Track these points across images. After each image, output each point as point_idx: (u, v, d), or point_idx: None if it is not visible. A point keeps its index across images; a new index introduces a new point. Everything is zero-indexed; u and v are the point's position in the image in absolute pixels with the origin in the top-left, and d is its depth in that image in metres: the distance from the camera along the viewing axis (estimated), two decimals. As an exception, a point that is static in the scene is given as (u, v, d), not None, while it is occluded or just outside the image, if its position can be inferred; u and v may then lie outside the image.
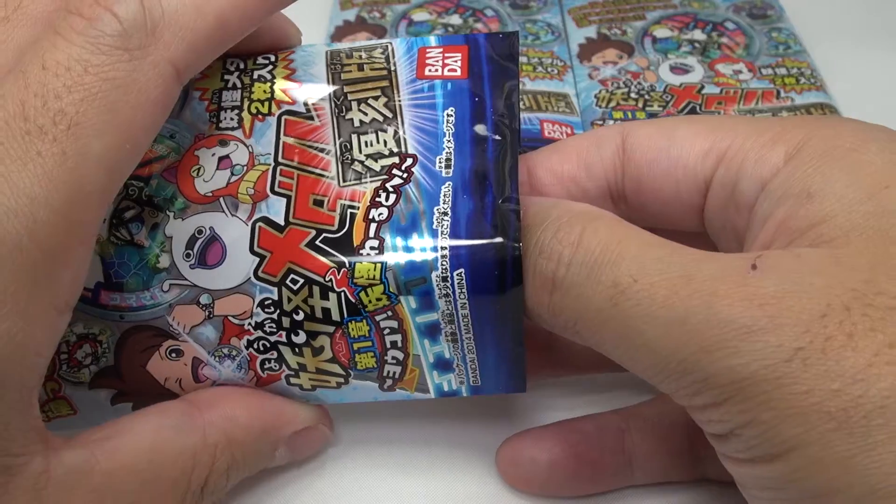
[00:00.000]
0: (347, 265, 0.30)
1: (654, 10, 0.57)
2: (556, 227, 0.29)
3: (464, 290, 0.30)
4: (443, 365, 0.32)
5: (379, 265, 0.30)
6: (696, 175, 0.31)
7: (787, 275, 0.25)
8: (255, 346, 0.31)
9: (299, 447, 0.34)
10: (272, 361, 0.32)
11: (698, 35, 0.54)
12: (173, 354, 0.32)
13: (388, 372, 0.32)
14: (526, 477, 0.35)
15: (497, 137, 0.32)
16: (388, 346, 0.31)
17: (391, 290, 0.30)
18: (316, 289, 0.30)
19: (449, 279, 0.30)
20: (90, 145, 0.26)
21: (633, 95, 0.50)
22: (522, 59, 0.52)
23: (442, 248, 0.30)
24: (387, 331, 0.31)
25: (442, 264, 0.30)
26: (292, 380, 0.32)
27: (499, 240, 0.29)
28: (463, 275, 0.30)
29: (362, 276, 0.30)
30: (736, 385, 0.25)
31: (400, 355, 0.32)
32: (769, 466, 0.25)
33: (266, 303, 0.31)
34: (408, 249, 0.30)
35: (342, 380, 0.32)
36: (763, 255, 0.26)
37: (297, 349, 0.31)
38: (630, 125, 0.34)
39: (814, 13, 0.58)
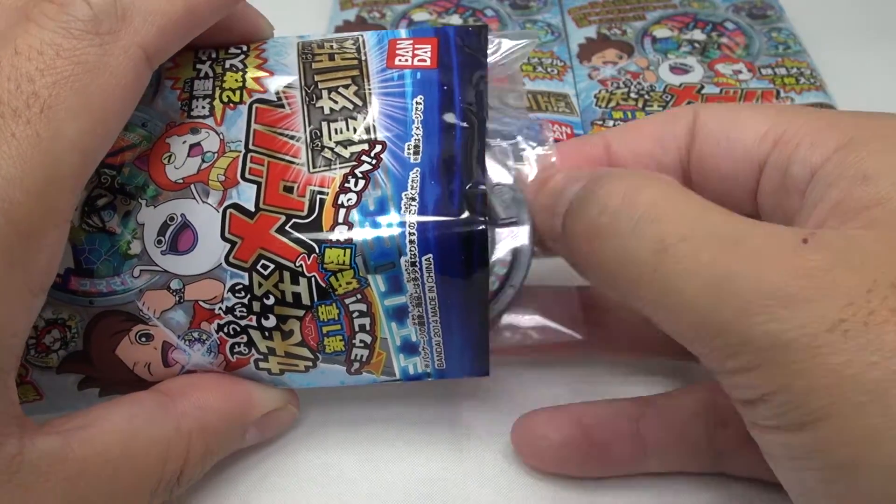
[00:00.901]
0: (317, 250, 0.30)
1: (654, 10, 0.57)
2: (608, 180, 0.29)
3: (432, 274, 0.30)
4: (409, 348, 0.32)
5: (348, 250, 0.30)
6: (751, 157, 0.31)
7: (837, 251, 0.25)
8: (226, 330, 0.32)
9: (268, 428, 0.35)
10: (242, 345, 0.32)
11: (698, 35, 0.55)
12: (143, 339, 0.32)
13: (356, 355, 0.32)
14: (537, 454, 0.35)
15: (465, 125, 0.32)
16: (357, 329, 0.32)
17: (361, 274, 0.30)
18: (286, 274, 0.31)
19: (417, 263, 0.30)
20: (63, 128, 0.26)
21: (632, 95, 0.50)
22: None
23: (410, 233, 0.30)
24: (356, 314, 0.31)
25: (410, 249, 0.30)
26: (261, 364, 0.33)
27: (465, 215, 0.30)
28: (431, 259, 0.30)
29: (332, 262, 0.30)
30: (773, 350, 0.24)
31: (368, 339, 0.32)
32: (797, 435, 0.25)
33: (237, 288, 0.31)
34: (376, 234, 0.30)
35: (310, 363, 0.33)
36: (816, 233, 0.26)
37: (266, 333, 0.31)
38: (703, 105, 0.34)
39: (814, 13, 0.58)
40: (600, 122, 0.48)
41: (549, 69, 0.53)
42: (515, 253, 0.33)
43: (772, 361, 0.25)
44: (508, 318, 0.35)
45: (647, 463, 0.34)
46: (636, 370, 0.39)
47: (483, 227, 0.30)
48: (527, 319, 0.35)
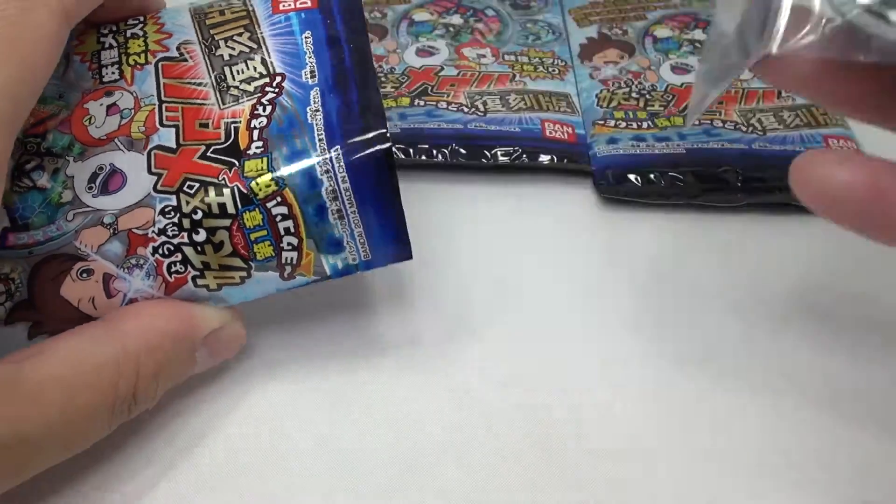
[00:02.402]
0: (238, 164, 0.34)
1: (655, 9, 0.59)
2: None
3: (342, 164, 0.33)
4: (334, 244, 0.35)
5: (265, 158, 0.34)
6: None
7: None
8: (161, 250, 0.34)
9: (218, 348, 0.36)
10: (178, 264, 0.34)
11: (699, 35, 0.56)
12: (84, 275, 0.34)
13: (286, 259, 0.35)
14: (814, 191, 0.31)
15: (352, 46, 0.36)
16: (283, 232, 0.34)
17: (278, 175, 0.33)
18: (211, 188, 0.34)
19: (328, 158, 0.33)
20: None
21: (634, 95, 0.52)
22: (524, 59, 0.55)
23: (318, 130, 0.34)
24: (279, 217, 0.34)
25: (320, 146, 0.33)
26: (199, 281, 0.35)
27: (365, 113, 0.34)
28: (339, 150, 0.33)
29: (252, 170, 0.34)
30: None
31: (294, 241, 0.34)
32: None
33: (166, 209, 0.33)
34: (289, 143, 0.34)
35: (245, 273, 0.35)
36: None
37: (199, 248, 0.34)
38: None
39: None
40: (601, 122, 0.50)
41: (550, 69, 0.54)
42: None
43: None
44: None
45: None
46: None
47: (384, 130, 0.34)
48: None
